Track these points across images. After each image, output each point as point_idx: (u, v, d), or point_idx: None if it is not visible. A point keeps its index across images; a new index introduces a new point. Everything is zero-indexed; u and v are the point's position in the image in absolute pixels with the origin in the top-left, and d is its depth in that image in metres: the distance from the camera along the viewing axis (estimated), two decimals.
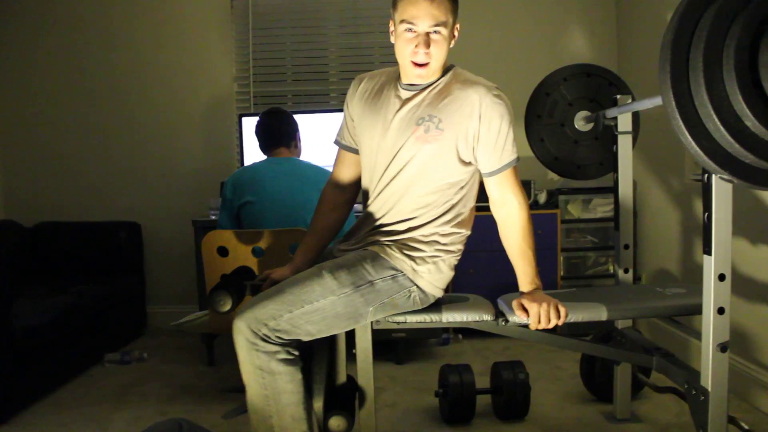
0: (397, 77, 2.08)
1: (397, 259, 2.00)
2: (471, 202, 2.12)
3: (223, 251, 2.68)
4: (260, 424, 1.92)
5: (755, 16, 1.35)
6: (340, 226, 2.30)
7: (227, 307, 2.01)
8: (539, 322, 1.98)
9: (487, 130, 1.96)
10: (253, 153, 3.82)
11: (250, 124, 3.90)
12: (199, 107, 4.38)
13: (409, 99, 2.02)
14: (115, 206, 4.39)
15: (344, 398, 2.12)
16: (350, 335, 2.12)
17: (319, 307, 1.89)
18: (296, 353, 1.91)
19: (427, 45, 1.90)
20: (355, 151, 2.22)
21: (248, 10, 4.33)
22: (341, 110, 3.86)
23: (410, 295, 2.03)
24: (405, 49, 1.94)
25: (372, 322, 2.07)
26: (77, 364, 3.47)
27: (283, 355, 1.88)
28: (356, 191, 2.30)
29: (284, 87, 4.42)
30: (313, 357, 2.05)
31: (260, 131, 3.13)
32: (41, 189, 4.43)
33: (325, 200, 2.28)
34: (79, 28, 4.35)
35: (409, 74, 2.00)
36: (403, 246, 2.02)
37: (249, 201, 2.91)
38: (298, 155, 3.19)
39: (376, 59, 4.34)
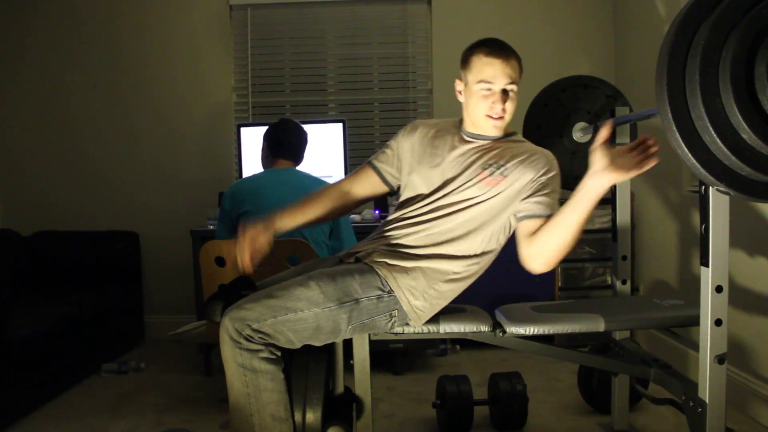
0: (457, 126, 2.24)
1: (392, 279, 2.02)
2: (493, 256, 2.16)
3: (220, 261, 2.68)
4: (241, 423, 1.93)
5: (751, 29, 1.36)
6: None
7: None
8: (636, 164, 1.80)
9: (543, 185, 2.06)
10: (251, 163, 3.83)
11: (248, 134, 3.91)
12: (197, 117, 4.39)
13: (473, 143, 2.17)
14: (114, 216, 4.39)
15: (342, 409, 2.12)
16: (348, 346, 2.12)
17: (302, 317, 1.92)
18: (279, 353, 1.94)
19: (504, 101, 2.08)
20: (383, 179, 2.32)
21: (247, 20, 4.35)
22: (340, 121, 3.91)
23: (390, 319, 2.05)
24: (481, 104, 2.10)
25: (370, 333, 2.08)
26: (74, 373, 3.46)
27: (266, 354, 1.91)
28: (355, 207, 2.39)
29: (282, 97, 4.43)
30: (311, 368, 2.04)
31: (271, 139, 3.11)
32: (39, 198, 4.44)
33: (328, 193, 2.33)
34: (78, 38, 4.37)
35: (484, 126, 2.14)
36: (407, 270, 2.05)
37: (247, 211, 2.92)
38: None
39: (375, 70, 4.35)
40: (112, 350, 3.88)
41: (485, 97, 2.08)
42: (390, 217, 2.23)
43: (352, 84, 4.42)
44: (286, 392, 1.95)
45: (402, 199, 2.25)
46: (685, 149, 1.42)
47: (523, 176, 2.06)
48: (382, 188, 2.34)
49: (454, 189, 2.11)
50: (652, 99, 1.60)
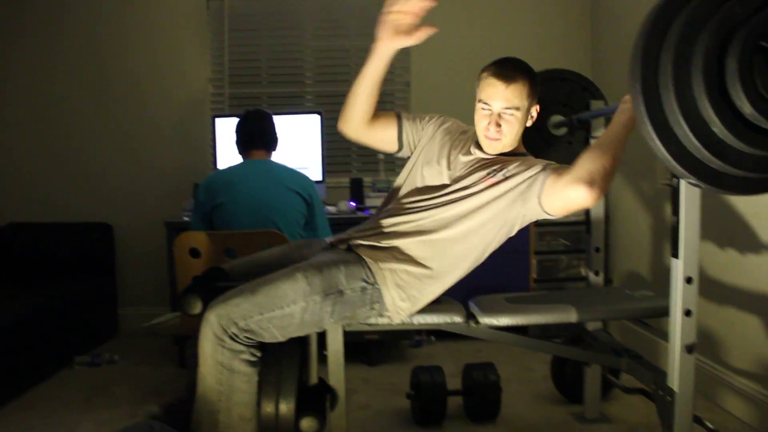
0: (474, 135, 2.22)
1: (380, 274, 2.01)
2: (482, 255, 2.13)
3: (195, 253, 2.67)
4: (205, 417, 1.92)
5: (723, 24, 1.37)
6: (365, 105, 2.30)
7: (197, 310, 2.00)
8: None
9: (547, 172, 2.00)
10: (227, 154, 3.81)
11: (224, 125, 3.88)
12: (173, 108, 4.35)
13: (481, 153, 2.17)
14: (87, 207, 4.33)
15: (315, 400, 2.12)
16: (321, 337, 2.13)
17: (288, 312, 1.91)
18: (259, 355, 1.94)
19: (498, 124, 2.08)
20: (399, 136, 2.33)
21: (224, 11, 4.32)
22: (317, 112, 3.89)
23: (371, 310, 2.05)
24: (479, 123, 2.12)
25: (344, 324, 2.08)
26: (47, 366, 3.42)
27: (247, 356, 1.90)
28: (368, 123, 2.31)
29: (259, 89, 4.41)
30: (284, 359, 2.04)
31: (244, 131, 3.10)
32: (11, 189, 4.37)
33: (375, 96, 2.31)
34: (49, 29, 4.30)
35: (484, 143, 2.15)
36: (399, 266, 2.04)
37: (221, 203, 2.91)
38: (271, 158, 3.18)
39: (352, 62, 4.34)
40: (86, 343, 3.84)
41: (483, 116, 2.10)
42: (389, 206, 2.22)
43: (330, 76, 4.40)
44: (256, 394, 1.95)
45: (405, 188, 2.24)
46: (658, 142, 1.44)
47: (524, 173, 2.02)
48: (391, 143, 2.34)
49: (460, 188, 2.10)
50: (627, 93, 1.62)
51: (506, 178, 2.04)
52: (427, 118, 2.36)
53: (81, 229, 4.20)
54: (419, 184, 2.21)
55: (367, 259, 2.03)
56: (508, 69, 2.07)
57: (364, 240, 2.10)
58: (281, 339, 1.95)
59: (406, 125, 2.34)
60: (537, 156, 2.47)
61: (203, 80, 4.35)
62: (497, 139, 2.09)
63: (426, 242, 2.07)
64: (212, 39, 4.35)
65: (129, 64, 4.33)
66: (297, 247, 2.30)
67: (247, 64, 4.40)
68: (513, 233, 2.11)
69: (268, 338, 1.93)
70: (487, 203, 2.05)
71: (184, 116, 4.35)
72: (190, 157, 4.35)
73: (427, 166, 2.22)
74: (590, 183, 1.82)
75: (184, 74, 4.34)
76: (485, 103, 2.07)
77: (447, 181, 2.15)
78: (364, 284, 2.00)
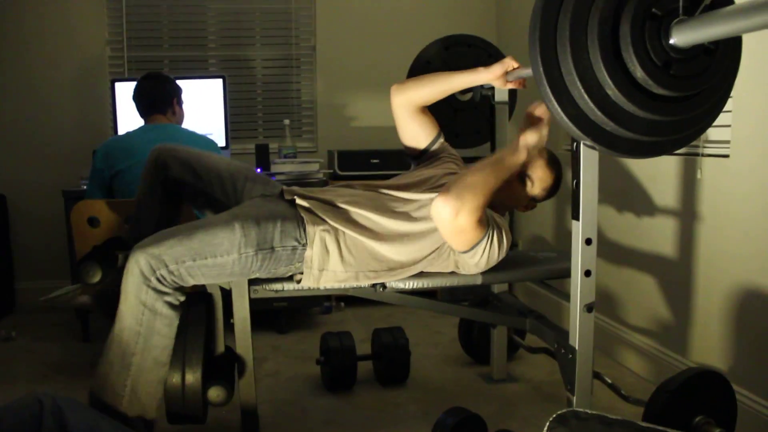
0: None
1: (313, 232, 2.00)
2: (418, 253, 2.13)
3: (94, 222, 2.57)
4: (118, 358, 1.88)
5: None
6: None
7: (96, 278, 1.94)
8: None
9: None
10: (128, 120, 3.67)
11: (124, 89, 3.73)
12: (68, 72, 4.14)
13: None
14: None
15: (223, 369, 2.09)
16: (228, 305, 2.09)
17: (220, 262, 1.90)
18: (182, 299, 1.92)
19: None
20: (429, 141, 2.46)
21: None
22: (220, 77, 3.78)
23: (294, 269, 2.04)
24: (519, 203, 2.36)
25: (250, 291, 2.06)
26: None
27: (171, 299, 1.89)
28: (416, 109, 2.43)
29: (160, 52, 4.25)
30: (189, 328, 2.00)
31: (136, 96, 3.02)
32: None
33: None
34: None
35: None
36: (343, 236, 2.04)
37: (121, 170, 2.81)
38: (179, 122, 3.09)
39: (257, 25, 4.24)
40: None
41: (528, 207, 2.39)
42: (355, 182, 2.25)
43: (234, 39, 4.28)
44: (174, 339, 1.93)
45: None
46: (555, 103, 1.46)
47: None
48: (418, 140, 2.44)
49: (428, 178, 2.21)
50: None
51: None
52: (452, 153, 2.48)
53: None
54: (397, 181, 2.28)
55: (306, 219, 2.01)
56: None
57: (309, 201, 2.08)
58: (203, 283, 1.96)
59: (439, 141, 2.46)
60: (443, 123, 2.50)
61: (101, 42, 4.15)
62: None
63: (370, 220, 2.07)
64: None
65: (15, 25, 4.06)
66: (244, 177, 2.25)
67: (147, 26, 4.21)
68: (456, 269, 2.16)
69: (191, 283, 1.91)
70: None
71: (81, 80, 4.15)
72: (88, 122, 4.16)
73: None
74: (446, 194, 1.89)
75: (79, 36, 4.12)
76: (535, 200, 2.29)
77: (420, 179, 2.25)
78: (295, 243, 1.99)
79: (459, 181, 1.91)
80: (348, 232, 2.02)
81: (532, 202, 2.32)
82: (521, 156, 2.03)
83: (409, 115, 2.40)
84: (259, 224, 1.95)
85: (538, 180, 2.23)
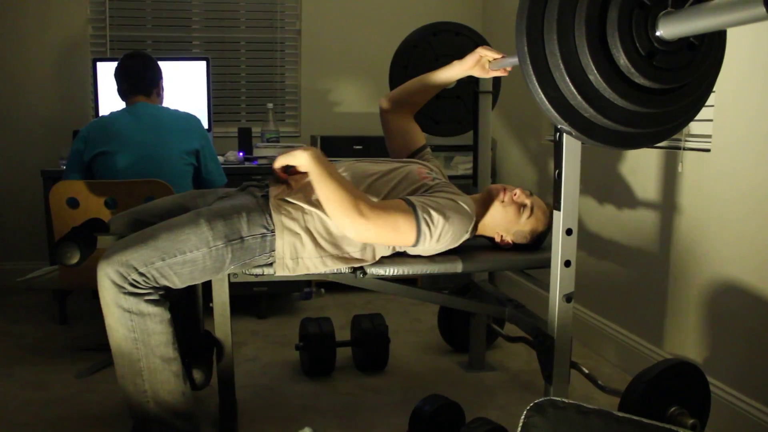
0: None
1: (279, 219, 1.97)
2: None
3: (73, 203, 2.55)
4: (127, 369, 1.88)
5: None
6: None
7: (75, 259, 1.91)
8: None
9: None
10: (109, 100, 3.62)
11: (106, 69, 3.68)
12: (48, 51, 4.08)
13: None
14: None
15: (201, 353, 2.08)
16: (207, 289, 2.08)
17: (190, 258, 1.88)
18: (162, 292, 1.90)
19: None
20: (416, 149, 2.47)
21: None
22: (204, 59, 3.74)
23: (267, 258, 2.00)
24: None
25: (230, 276, 2.04)
26: None
27: (152, 296, 1.87)
28: (405, 115, 2.49)
29: (143, 32, 4.19)
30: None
31: (120, 75, 2.97)
32: None
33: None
34: None
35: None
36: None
37: (103, 152, 2.78)
38: (160, 104, 3.06)
39: (242, 7, 4.20)
40: None
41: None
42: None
43: (218, 21, 4.24)
44: (173, 330, 1.91)
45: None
46: (536, 83, 1.45)
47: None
48: (406, 145, 2.46)
49: (396, 168, 2.19)
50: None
51: (433, 179, 2.20)
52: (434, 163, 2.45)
53: None
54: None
55: (272, 207, 1.99)
56: None
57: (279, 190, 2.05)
58: (180, 286, 1.91)
59: (425, 151, 2.46)
60: (424, 107, 2.50)
61: (82, 21, 4.09)
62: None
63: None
64: None
65: None
66: (191, 197, 2.24)
67: (129, 5, 4.15)
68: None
69: (166, 284, 1.88)
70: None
71: (62, 60, 4.09)
72: (69, 103, 4.11)
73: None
74: (339, 223, 1.92)
75: (60, 14, 4.05)
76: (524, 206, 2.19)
77: (389, 169, 2.21)
78: (264, 230, 1.97)
79: (327, 209, 1.89)
80: (314, 210, 2.00)
81: (509, 243, 2.24)
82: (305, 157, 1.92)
83: (397, 125, 2.44)
84: (224, 217, 1.93)
85: (535, 219, 2.19)
